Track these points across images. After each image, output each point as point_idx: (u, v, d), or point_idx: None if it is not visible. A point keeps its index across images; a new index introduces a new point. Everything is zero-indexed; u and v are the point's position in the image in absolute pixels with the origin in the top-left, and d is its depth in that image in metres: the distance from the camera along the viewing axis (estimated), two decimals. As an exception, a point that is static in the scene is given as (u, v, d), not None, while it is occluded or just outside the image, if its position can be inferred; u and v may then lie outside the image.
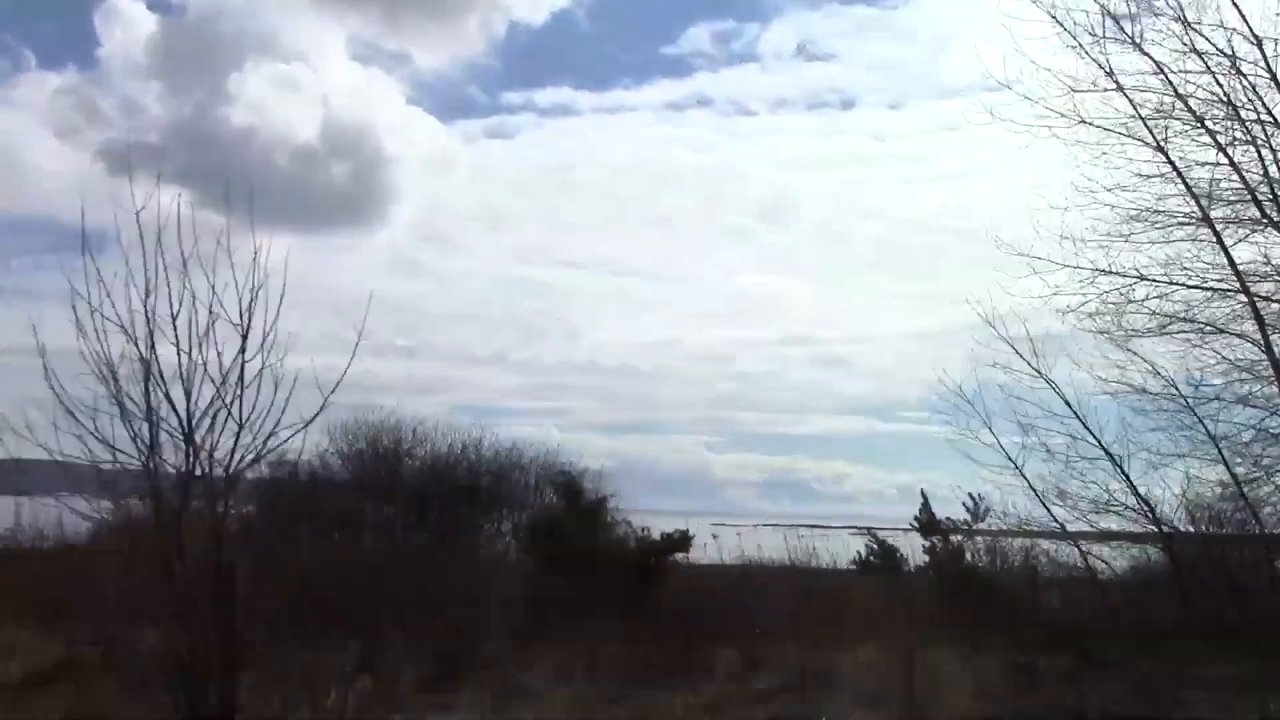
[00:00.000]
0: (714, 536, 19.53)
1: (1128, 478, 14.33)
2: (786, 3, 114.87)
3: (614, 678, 11.82)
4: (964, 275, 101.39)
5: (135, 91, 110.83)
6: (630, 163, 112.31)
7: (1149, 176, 13.16)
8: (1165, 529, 14.49)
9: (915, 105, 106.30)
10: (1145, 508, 14.35)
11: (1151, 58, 12.79)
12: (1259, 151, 12.64)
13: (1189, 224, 13.20)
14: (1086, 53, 12.87)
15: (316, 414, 9.05)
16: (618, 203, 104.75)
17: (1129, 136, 13.05)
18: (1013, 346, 14.22)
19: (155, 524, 8.94)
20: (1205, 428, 13.55)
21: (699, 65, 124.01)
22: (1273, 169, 12.64)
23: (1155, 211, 13.23)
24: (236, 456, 8.82)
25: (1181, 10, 12.40)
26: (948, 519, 17.36)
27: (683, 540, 17.90)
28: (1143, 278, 13.37)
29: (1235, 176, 12.83)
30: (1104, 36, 12.58)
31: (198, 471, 8.81)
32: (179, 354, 8.69)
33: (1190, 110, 12.70)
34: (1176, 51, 12.55)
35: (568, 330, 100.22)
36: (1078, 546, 15.43)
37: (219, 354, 8.75)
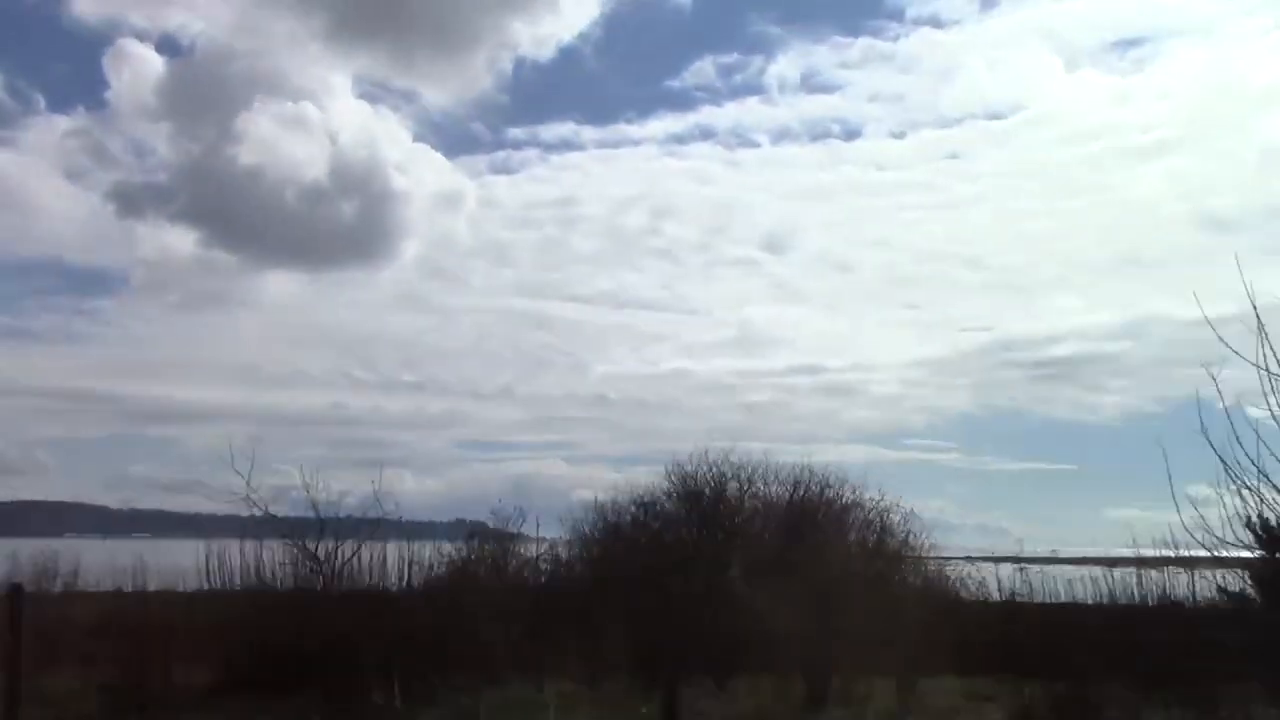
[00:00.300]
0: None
1: None
2: (791, 35, 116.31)
3: None
4: (967, 301, 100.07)
5: (144, 133, 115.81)
6: (633, 195, 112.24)
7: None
8: None
9: (917, 134, 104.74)
10: None
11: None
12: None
13: None
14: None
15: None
16: (621, 235, 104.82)
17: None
18: None
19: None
20: None
21: (701, 98, 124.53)
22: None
23: None
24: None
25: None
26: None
27: None
28: None
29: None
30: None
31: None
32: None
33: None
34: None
35: (573, 363, 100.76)
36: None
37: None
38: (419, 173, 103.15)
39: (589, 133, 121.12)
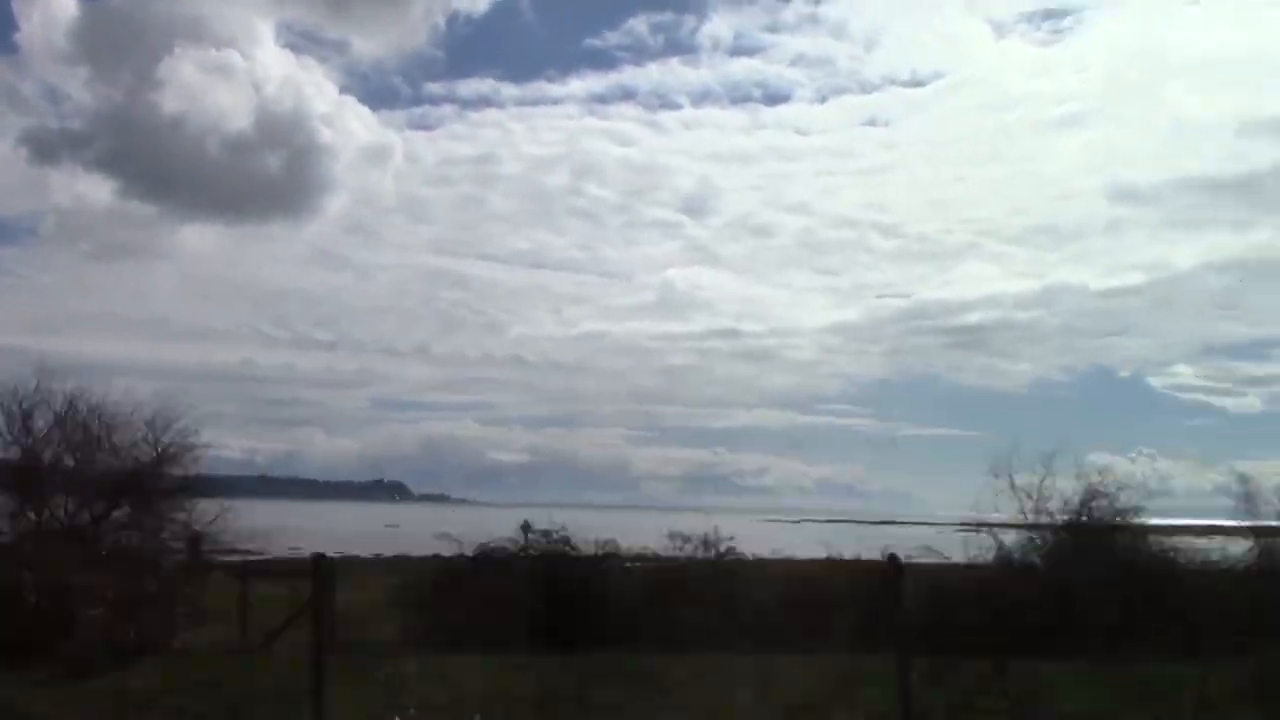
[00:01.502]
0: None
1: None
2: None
3: None
4: (883, 268, 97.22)
5: (59, 77, 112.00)
6: (553, 155, 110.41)
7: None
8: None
9: (839, 100, 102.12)
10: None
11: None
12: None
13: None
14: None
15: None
16: (540, 195, 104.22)
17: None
18: None
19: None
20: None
21: (623, 58, 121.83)
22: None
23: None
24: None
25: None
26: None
27: None
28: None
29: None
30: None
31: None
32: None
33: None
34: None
35: (489, 323, 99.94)
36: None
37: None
38: (344, 126, 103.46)
39: (509, 90, 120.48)
